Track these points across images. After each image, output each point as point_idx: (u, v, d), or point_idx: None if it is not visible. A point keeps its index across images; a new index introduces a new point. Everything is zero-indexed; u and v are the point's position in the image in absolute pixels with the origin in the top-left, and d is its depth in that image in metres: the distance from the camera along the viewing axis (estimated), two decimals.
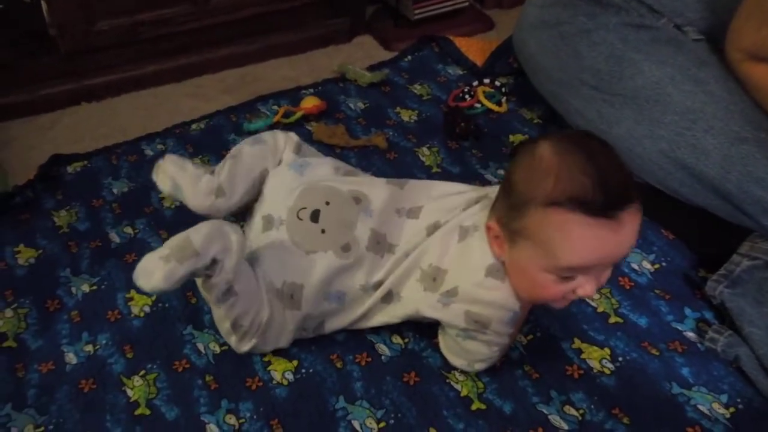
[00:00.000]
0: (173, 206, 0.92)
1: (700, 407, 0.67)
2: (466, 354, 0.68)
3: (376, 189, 0.73)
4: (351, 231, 0.70)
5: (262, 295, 0.68)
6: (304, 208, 0.71)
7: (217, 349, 0.74)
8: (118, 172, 0.98)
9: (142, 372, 0.72)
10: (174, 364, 0.72)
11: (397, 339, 0.75)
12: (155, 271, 0.61)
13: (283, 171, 0.76)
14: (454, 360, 0.70)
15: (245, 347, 0.70)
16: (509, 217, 0.60)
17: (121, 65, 1.16)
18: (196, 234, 0.63)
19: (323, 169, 0.77)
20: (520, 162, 0.60)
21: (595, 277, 0.59)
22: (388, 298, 0.70)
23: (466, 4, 1.32)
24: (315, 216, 0.70)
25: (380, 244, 0.70)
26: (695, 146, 0.77)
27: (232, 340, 0.70)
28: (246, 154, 0.76)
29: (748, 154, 0.74)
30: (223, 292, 0.65)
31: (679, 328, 0.74)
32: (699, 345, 0.72)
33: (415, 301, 0.68)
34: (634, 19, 0.82)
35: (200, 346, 0.74)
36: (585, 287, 0.59)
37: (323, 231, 0.70)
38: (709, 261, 0.79)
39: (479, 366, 0.69)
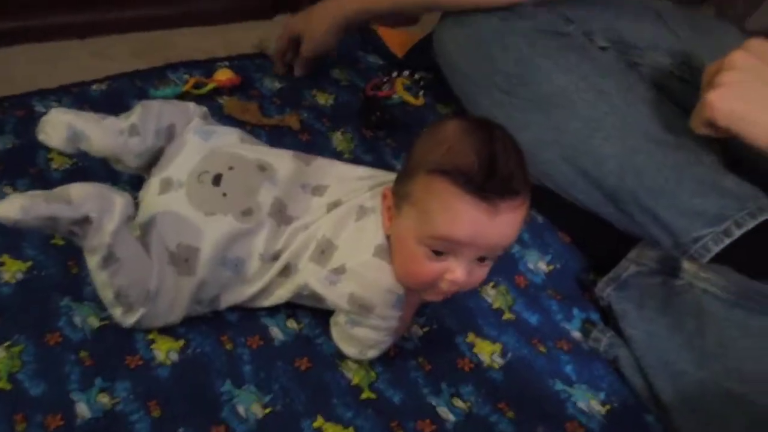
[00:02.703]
0: (62, 168, 0.85)
1: (579, 404, 0.69)
2: (355, 341, 0.68)
3: (283, 160, 0.72)
4: (254, 196, 0.68)
5: (150, 264, 0.64)
6: (207, 171, 0.68)
7: (96, 324, 0.68)
8: (3, 127, 0.89)
9: (7, 343, 0.65)
10: (45, 337, 0.67)
11: (292, 323, 0.73)
12: (16, 199, 0.55)
13: (187, 136, 0.73)
14: (346, 348, 0.69)
15: (131, 319, 0.66)
16: (400, 182, 0.61)
17: (18, 12, 1.06)
18: (78, 187, 0.59)
19: (229, 137, 0.74)
20: (425, 133, 0.61)
21: (467, 265, 0.58)
22: (287, 271, 0.68)
23: None
24: (217, 180, 0.68)
25: (281, 214, 0.68)
26: (595, 155, 0.80)
27: (117, 312, 0.66)
28: (155, 104, 0.74)
29: (642, 165, 0.78)
30: (104, 257, 0.61)
31: (567, 327, 0.77)
32: (583, 344, 0.75)
33: (305, 273, 0.67)
34: (544, 25, 0.84)
35: (77, 320, 0.69)
36: (455, 271, 0.58)
37: (224, 195, 0.67)
38: (600, 265, 0.82)
39: (371, 353, 0.68)
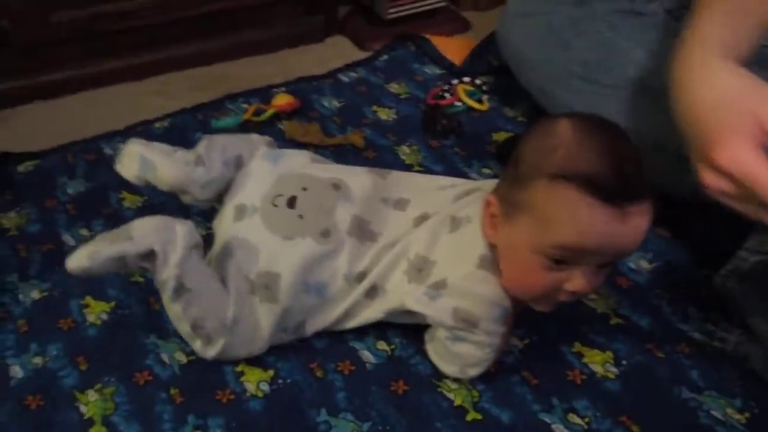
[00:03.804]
0: (134, 206, 0.85)
1: (713, 413, 0.62)
2: (457, 359, 0.63)
3: (357, 177, 0.69)
4: (330, 216, 0.65)
5: (224, 293, 0.62)
6: (280, 195, 0.66)
7: (184, 359, 0.66)
8: (74, 172, 0.90)
9: (98, 386, 0.64)
10: (134, 377, 0.65)
11: (382, 345, 0.69)
12: (82, 249, 0.57)
13: (257, 162, 0.71)
14: (445, 367, 0.65)
15: (212, 351, 0.63)
16: (511, 189, 0.56)
17: (79, 61, 1.08)
18: (138, 222, 0.60)
19: (299, 158, 0.72)
20: (533, 134, 0.56)
21: (588, 273, 0.54)
22: (373, 292, 0.65)
23: (442, 4, 1.28)
24: (291, 202, 0.65)
25: (363, 231, 0.65)
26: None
27: (197, 345, 0.64)
28: (220, 137, 0.73)
29: None
30: (174, 288, 0.60)
31: (684, 328, 0.70)
32: (706, 346, 0.68)
33: (400, 294, 0.63)
34: (623, 5, 0.79)
35: (164, 357, 0.67)
36: (575, 281, 0.54)
37: (300, 217, 0.65)
38: (706, 259, 0.75)
39: (473, 372, 0.64)
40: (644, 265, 0.77)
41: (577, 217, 0.52)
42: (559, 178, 0.52)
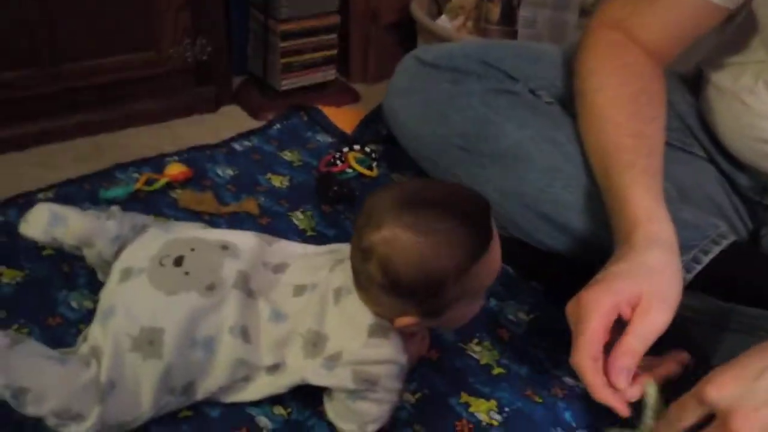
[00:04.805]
0: (13, 282, 0.81)
1: None
2: (356, 417, 0.65)
3: (244, 238, 0.72)
4: (217, 272, 0.66)
5: (75, 370, 0.60)
6: (168, 255, 0.67)
7: None
8: None
9: None
10: None
11: (279, 410, 0.69)
12: None
13: (147, 231, 0.72)
14: (344, 425, 0.66)
15: (87, 424, 0.60)
16: (425, 306, 0.61)
17: None
18: None
19: (191, 225, 0.75)
20: (395, 262, 0.58)
21: None
22: (273, 368, 0.66)
23: (333, 77, 1.35)
24: (178, 261, 0.66)
25: (247, 286, 0.67)
26: (556, 202, 0.82)
27: (74, 428, 0.61)
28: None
29: (601, 208, 0.80)
30: (13, 396, 0.58)
31: (558, 374, 0.76)
32: (576, 388, 0.74)
33: (298, 369, 0.65)
34: (493, 85, 0.88)
35: None
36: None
37: (187, 273, 0.65)
38: None
39: (371, 428, 0.66)
40: (522, 316, 0.84)
41: (495, 264, 0.63)
42: (470, 267, 0.59)
